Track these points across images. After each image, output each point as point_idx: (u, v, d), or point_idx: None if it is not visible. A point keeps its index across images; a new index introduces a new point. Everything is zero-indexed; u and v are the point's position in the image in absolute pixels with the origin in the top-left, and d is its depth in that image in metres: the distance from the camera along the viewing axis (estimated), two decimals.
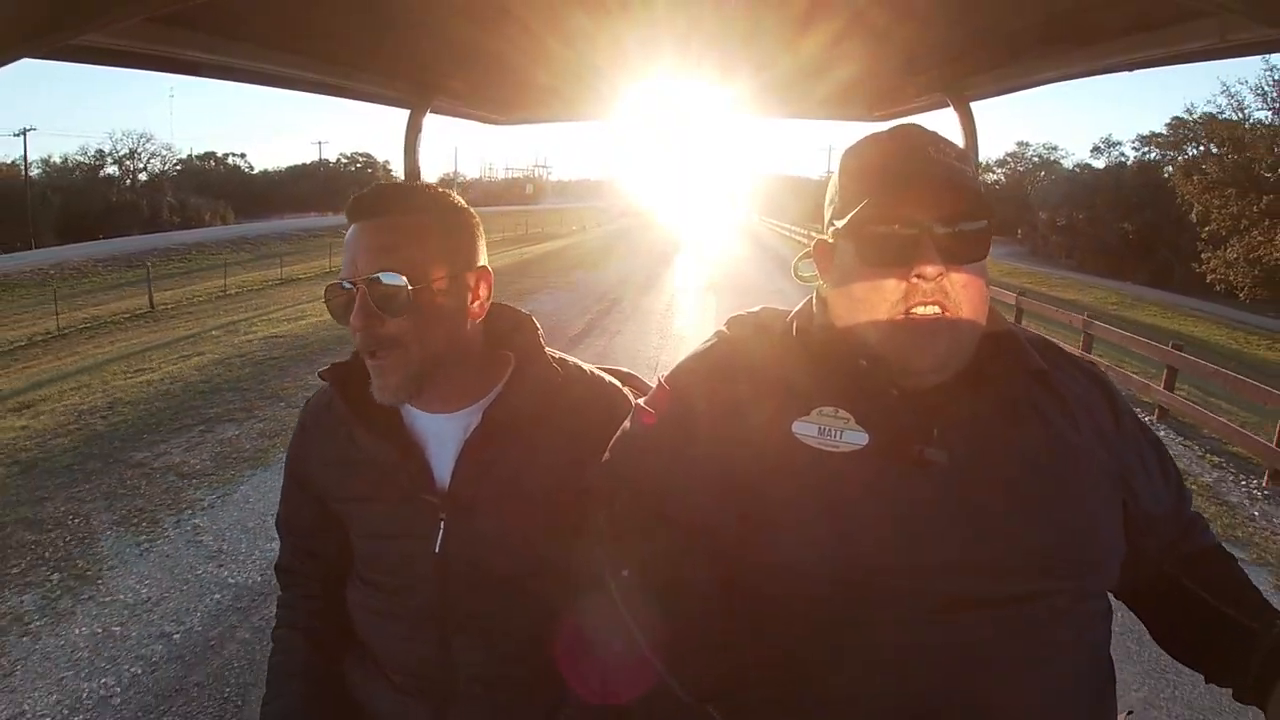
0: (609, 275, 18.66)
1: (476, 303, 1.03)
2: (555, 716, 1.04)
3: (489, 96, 1.62)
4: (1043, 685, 0.79)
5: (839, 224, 0.87)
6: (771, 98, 1.61)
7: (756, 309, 1.01)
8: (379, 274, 0.93)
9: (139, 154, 54.89)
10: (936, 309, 0.81)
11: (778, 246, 31.99)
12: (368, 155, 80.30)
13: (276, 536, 1.24)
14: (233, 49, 1.12)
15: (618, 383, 1.17)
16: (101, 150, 53.98)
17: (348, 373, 1.06)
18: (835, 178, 0.92)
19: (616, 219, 52.04)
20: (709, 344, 1.00)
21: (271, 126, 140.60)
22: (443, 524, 1.01)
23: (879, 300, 0.83)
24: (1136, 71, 1.13)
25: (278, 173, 74.01)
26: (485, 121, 1.77)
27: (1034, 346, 0.92)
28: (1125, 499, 0.88)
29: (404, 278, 0.94)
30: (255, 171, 72.13)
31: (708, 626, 0.85)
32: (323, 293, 1.00)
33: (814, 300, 0.96)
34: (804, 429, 0.84)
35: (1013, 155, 53.72)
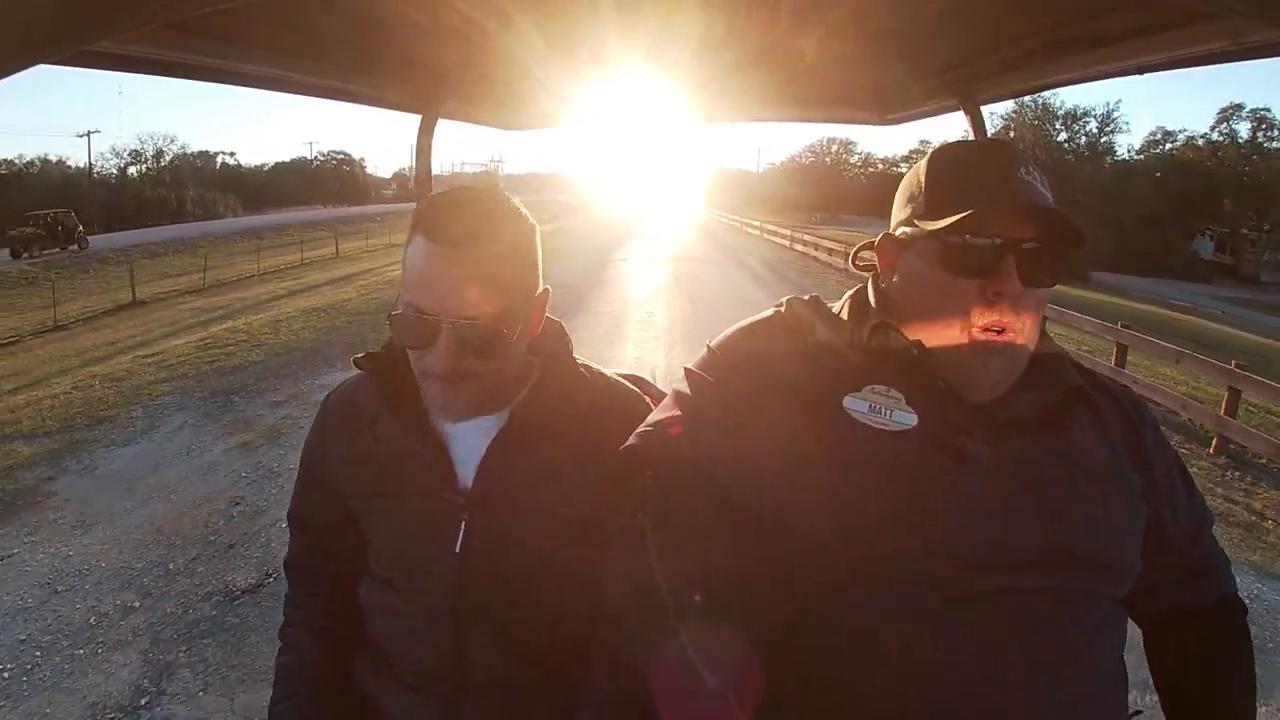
0: (610, 235, 28.86)
1: (536, 324, 0.99)
2: (572, 717, 0.96)
3: (498, 102, 1.59)
4: (1058, 683, 0.77)
5: (923, 225, 0.83)
6: (782, 101, 1.58)
7: (809, 295, 0.96)
8: (473, 318, 0.86)
9: (164, 153, 64.07)
10: (1005, 330, 0.79)
11: (709, 225, 42.18)
12: (345, 153, 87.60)
13: None
14: (245, 55, 1.10)
15: (637, 390, 1.12)
16: (136, 150, 60.83)
17: (384, 365, 1.00)
18: (919, 177, 0.88)
19: (579, 211, 53.45)
20: (761, 316, 0.95)
21: (241, 122, 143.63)
22: (464, 524, 0.97)
23: (951, 312, 0.81)
24: (1147, 74, 1.08)
25: (266, 169, 75.95)
26: (494, 126, 1.73)
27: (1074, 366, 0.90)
28: (1150, 518, 0.86)
29: (498, 323, 0.88)
30: (245, 168, 75.03)
31: (758, 627, 0.81)
32: (388, 318, 0.90)
33: (870, 291, 0.92)
34: (855, 404, 0.83)
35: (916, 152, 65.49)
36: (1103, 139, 34.74)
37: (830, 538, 0.79)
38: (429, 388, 0.93)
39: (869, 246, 0.95)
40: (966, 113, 1.37)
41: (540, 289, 0.97)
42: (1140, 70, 1.08)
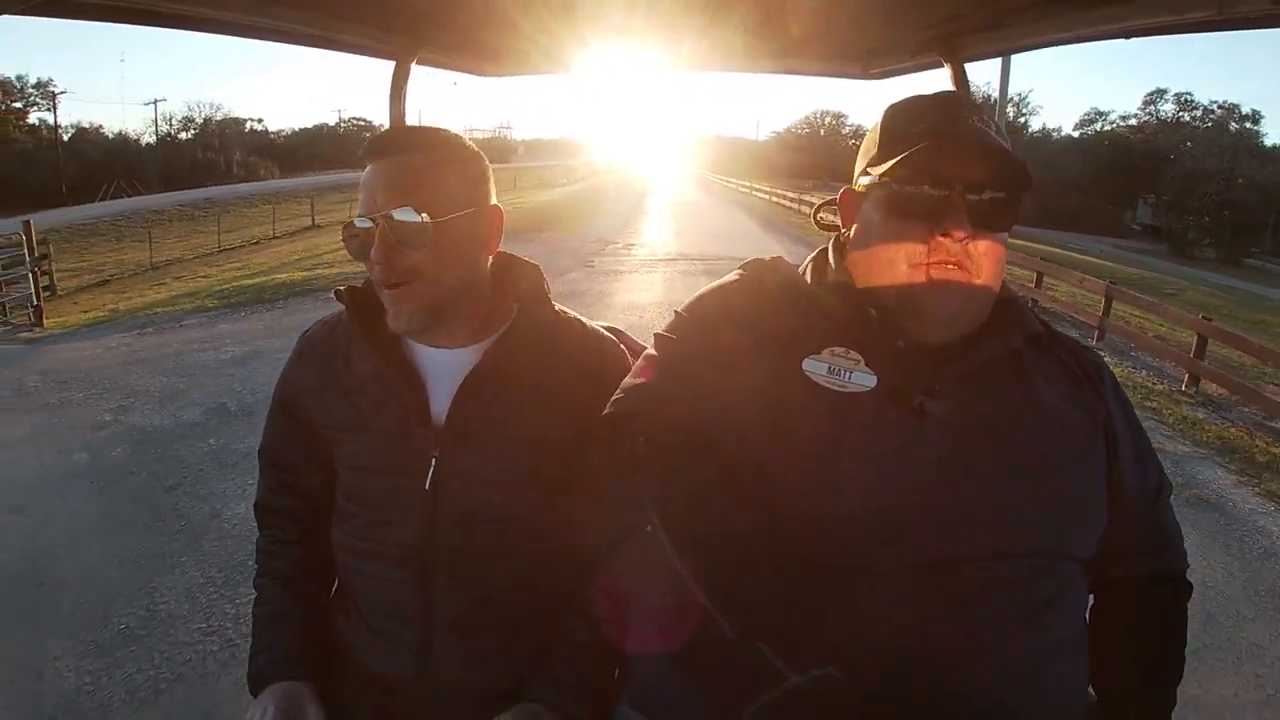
0: (632, 190, 37.51)
1: (489, 239, 1.01)
2: (543, 663, 1.00)
3: (477, 47, 1.54)
4: (1025, 643, 0.79)
5: (873, 175, 0.86)
6: (764, 52, 1.56)
7: (771, 256, 0.99)
8: (398, 209, 0.92)
9: (211, 120, 69.90)
10: (956, 269, 0.81)
11: (707, 184, 51.23)
12: (365, 120, 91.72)
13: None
14: (216, 0, 1.07)
15: (613, 337, 1.14)
16: (189, 118, 67.36)
17: (362, 297, 1.03)
18: (874, 131, 0.91)
19: (591, 175, 55.44)
20: (726, 279, 0.97)
21: (244, 87, 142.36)
22: (435, 460, 0.98)
23: (901, 255, 0.82)
24: (1134, 39, 1.10)
25: (286, 135, 79.90)
26: (473, 73, 1.69)
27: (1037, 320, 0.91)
28: (1108, 473, 0.87)
29: (423, 213, 0.92)
30: (273, 134, 78.79)
31: (747, 561, 0.81)
32: (341, 234, 0.98)
33: (830, 249, 0.94)
34: (814, 367, 0.84)
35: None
36: (1019, 119, 43.72)
37: (797, 498, 0.81)
38: (385, 303, 0.97)
39: (830, 204, 0.98)
40: (951, 71, 1.37)
41: (491, 205, 1.02)
42: (1126, 34, 1.09)
